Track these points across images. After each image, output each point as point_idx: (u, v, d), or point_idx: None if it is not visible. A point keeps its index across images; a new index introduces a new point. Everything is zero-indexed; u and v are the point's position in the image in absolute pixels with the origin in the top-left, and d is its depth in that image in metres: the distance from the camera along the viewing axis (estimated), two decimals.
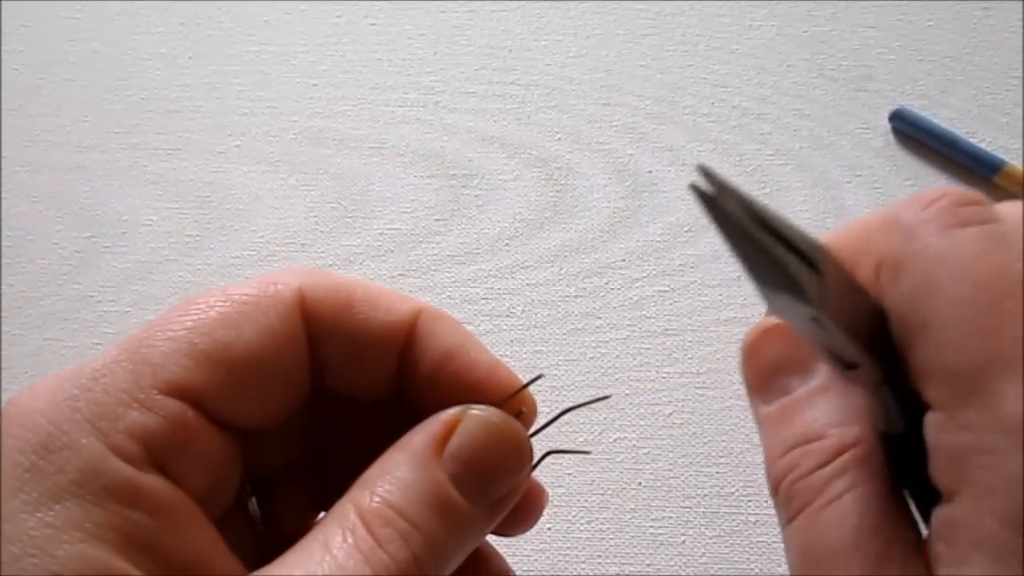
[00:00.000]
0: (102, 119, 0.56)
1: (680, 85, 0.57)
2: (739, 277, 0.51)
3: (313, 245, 0.52)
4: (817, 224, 0.52)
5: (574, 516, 0.46)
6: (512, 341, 0.49)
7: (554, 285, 0.51)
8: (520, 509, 0.26)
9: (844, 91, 0.56)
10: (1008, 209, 0.23)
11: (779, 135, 0.55)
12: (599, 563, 0.45)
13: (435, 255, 0.52)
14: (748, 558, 0.45)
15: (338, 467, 0.26)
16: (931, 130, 0.54)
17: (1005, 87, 0.56)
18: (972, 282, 0.21)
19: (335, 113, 0.56)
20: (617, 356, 0.49)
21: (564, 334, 0.50)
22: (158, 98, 0.57)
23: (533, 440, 0.25)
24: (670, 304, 0.50)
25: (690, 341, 0.49)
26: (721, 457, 0.47)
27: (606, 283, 0.51)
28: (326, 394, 0.26)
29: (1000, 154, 0.53)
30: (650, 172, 0.54)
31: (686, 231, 0.52)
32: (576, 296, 0.51)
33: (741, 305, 0.50)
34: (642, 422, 0.47)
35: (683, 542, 0.45)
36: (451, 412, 0.24)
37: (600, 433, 0.47)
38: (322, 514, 0.27)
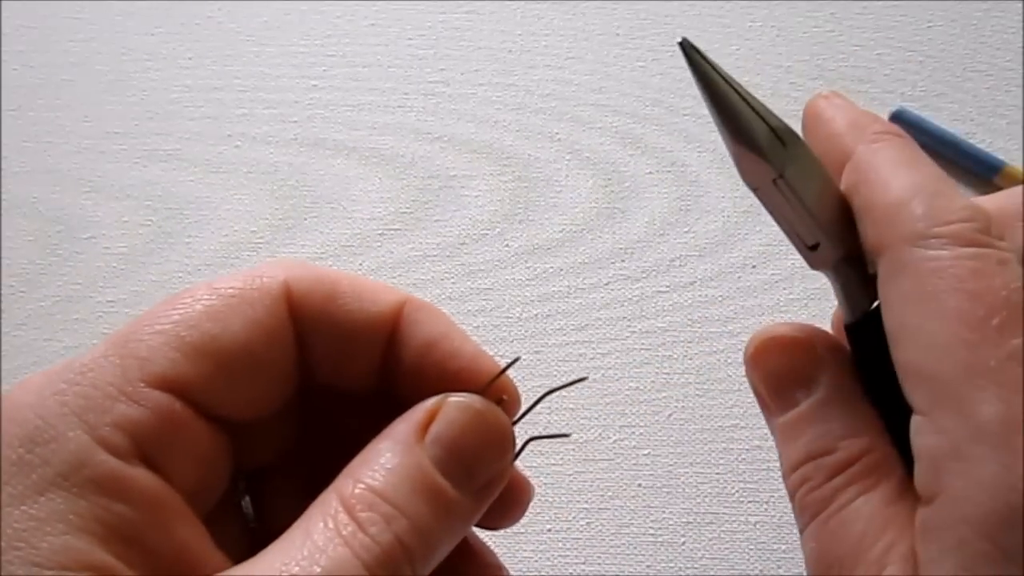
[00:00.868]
0: (101, 119, 0.56)
1: (677, 87, 0.57)
2: (737, 275, 0.51)
3: (311, 245, 0.52)
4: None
5: (574, 517, 0.45)
6: (508, 340, 0.49)
7: (552, 284, 0.51)
8: (506, 500, 0.26)
9: (844, 92, 0.56)
10: (1013, 231, 0.25)
11: None
12: (599, 563, 0.45)
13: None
14: (748, 559, 0.45)
15: (327, 459, 0.26)
16: (931, 131, 0.54)
17: (1005, 87, 0.56)
18: (965, 297, 0.22)
19: (334, 114, 0.56)
20: (617, 356, 0.49)
21: (564, 334, 0.49)
22: (157, 99, 0.57)
23: (516, 428, 0.25)
24: (670, 303, 0.50)
25: (690, 341, 0.49)
26: (721, 458, 0.47)
27: (606, 283, 0.51)
28: (313, 386, 0.26)
29: (1000, 155, 0.53)
30: (649, 174, 0.54)
31: (686, 230, 0.52)
32: (576, 295, 0.51)
33: (741, 304, 0.50)
34: (642, 423, 0.47)
35: (683, 543, 0.45)
36: (432, 400, 0.24)
37: (600, 433, 0.47)
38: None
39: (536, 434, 0.27)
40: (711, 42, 0.58)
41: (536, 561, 0.45)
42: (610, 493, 0.46)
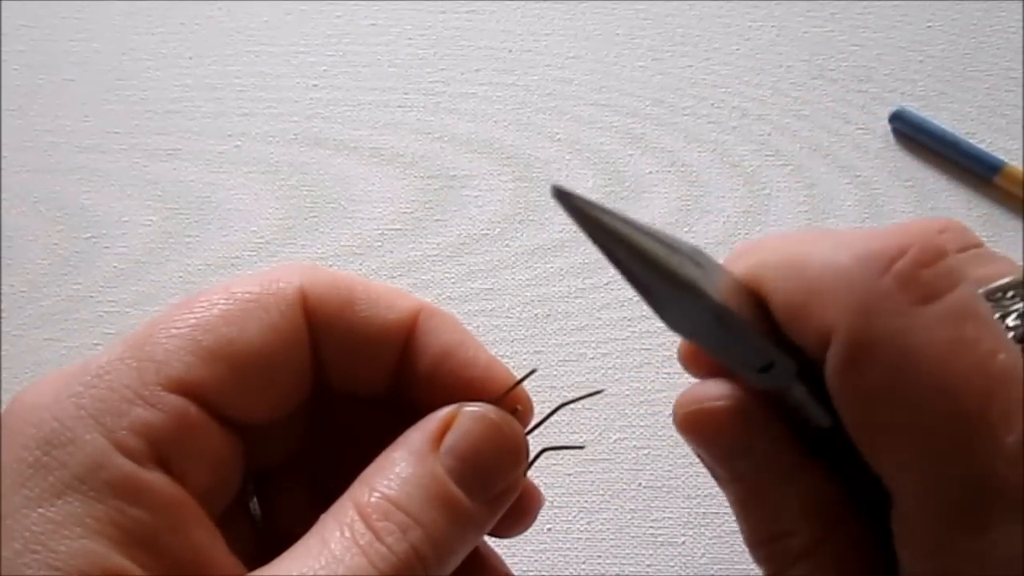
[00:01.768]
0: (102, 119, 0.56)
1: (678, 86, 0.57)
2: None
3: (313, 245, 0.52)
4: (817, 226, 0.52)
5: (574, 517, 0.46)
6: (509, 340, 0.49)
7: (553, 285, 0.51)
8: (516, 509, 0.26)
9: (843, 92, 0.56)
10: (973, 259, 0.22)
11: (778, 136, 0.55)
12: (599, 563, 0.45)
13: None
14: (748, 559, 0.45)
15: (337, 463, 0.26)
16: (931, 131, 0.54)
17: (1005, 87, 0.56)
18: (949, 385, 0.19)
19: (335, 114, 0.56)
20: (617, 356, 0.49)
21: (563, 334, 0.50)
22: (158, 98, 0.57)
23: (529, 439, 0.25)
24: None
25: None
26: None
27: (606, 283, 0.51)
28: (326, 390, 0.26)
29: (1000, 155, 0.53)
30: (651, 173, 0.54)
31: (687, 230, 0.52)
32: (575, 295, 0.51)
33: None
34: (642, 423, 0.47)
35: (683, 543, 0.45)
36: (447, 410, 0.24)
37: (600, 434, 0.47)
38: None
39: (549, 445, 0.27)
40: (711, 42, 0.58)
41: (536, 561, 0.45)
42: (610, 493, 0.46)
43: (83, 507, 0.21)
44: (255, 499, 0.27)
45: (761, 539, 0.24)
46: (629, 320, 0.50)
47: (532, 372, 0.26)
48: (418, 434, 0.24)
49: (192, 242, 0.52)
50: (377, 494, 0.23)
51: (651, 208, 0.53)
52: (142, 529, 0.21)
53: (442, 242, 0.52)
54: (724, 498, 0.27)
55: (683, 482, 0.46)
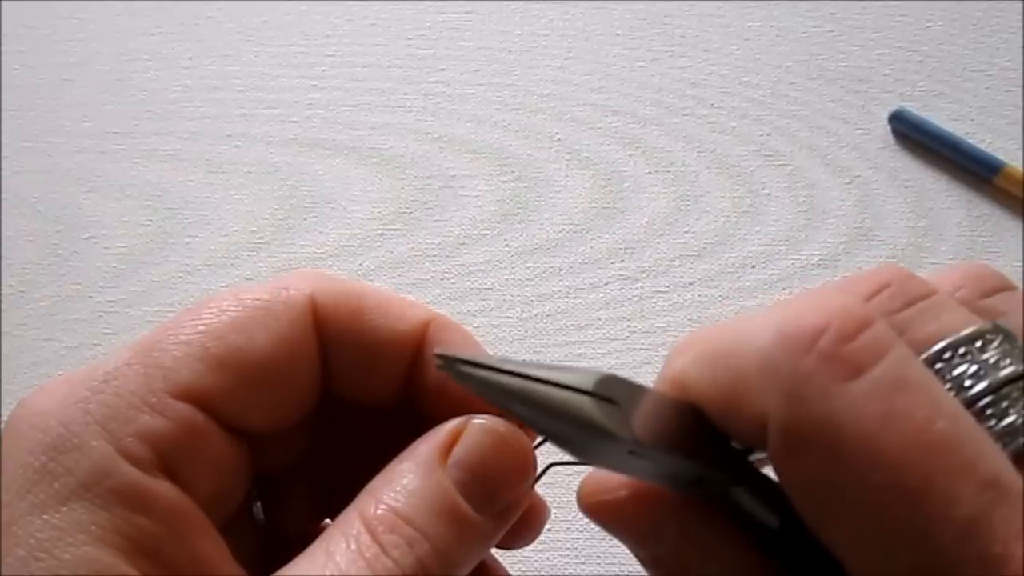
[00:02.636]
0: (102, 119, 0.56)
1: (676, 87, 0.57)
2: (737, 275, 0.51)
3: (311, 245, 0.52)
4: (818, 226, 0.52)
5: (574, 516, 0.45)
6: (507, 340, 0.49)
7: (552, 284, 0.51)
8: (522, 522, 0.26)
9: (843, 92, 0.56)
10: (920, 316, 0.21)
11: (777, 137, 0.55)
12: (599, 563, 0.45)
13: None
14: None
15: (343, 472, 0.26)
16: (931, 131, 0.54)
17: (1004, 87, 0.56)
18: (886, 463, 0.18)
19: (333, 114, 0.56)
20: (617, 356, 0.49)
21: (562, 334, 0.49)
22: (157, 99, 0.57)
23: (536, 452, 0.25)
24: (669, 303, 0.50)
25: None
26: None
27: (605, 283, 0.51)
28: (334, 399, 0.26)
29: (1000, 155, 0.53)
30: (648, 174, 0.54)
31: (685, 230, 0.52)
32: (574, 295, 0.51)
33: (740, 304, 0.50)
34: None
35: None
36: (455, 422, 0.24)
37: None
38: (327, 522, 0.27)
39: (556, 460, 0.27)
40: (709, 42, 0.58)
41: (536, 561, 0.45)
42: None
43: (88, 514, 0.21)
44: (259, 506, 0.27)
45: None
46: (629, 320, 0.50)
47: None
48: (425, 446, 0.24)
49: (189, 242, 0.52)
50: (383, 506, 0.22)
51: (648, 209, 0.53)
52: (147, 538, 0.21)
53: (440, 241, 0.52)
54: None
55: None
